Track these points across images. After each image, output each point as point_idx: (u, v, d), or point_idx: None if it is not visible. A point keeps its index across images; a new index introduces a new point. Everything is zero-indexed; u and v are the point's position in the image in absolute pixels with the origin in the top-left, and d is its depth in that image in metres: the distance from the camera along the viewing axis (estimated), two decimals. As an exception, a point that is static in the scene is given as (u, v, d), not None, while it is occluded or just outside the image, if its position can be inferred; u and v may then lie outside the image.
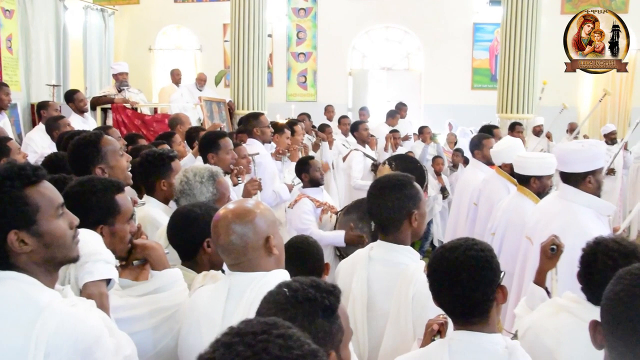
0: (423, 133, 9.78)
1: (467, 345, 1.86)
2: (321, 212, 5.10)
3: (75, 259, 1.79)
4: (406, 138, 9.52)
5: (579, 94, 13.10)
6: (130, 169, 3.09)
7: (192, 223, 2.46)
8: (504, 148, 4.92)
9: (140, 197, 3.42)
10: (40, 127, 6.49)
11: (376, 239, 4.97)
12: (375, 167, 7.45)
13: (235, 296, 1.91)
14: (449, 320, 1.99)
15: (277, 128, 6.20)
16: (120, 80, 8.65)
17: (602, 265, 2.10)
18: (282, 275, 1.92)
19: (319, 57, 14.06)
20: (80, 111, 7.29)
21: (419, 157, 8.74)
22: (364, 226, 4.93)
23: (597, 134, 11.71)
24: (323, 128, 8.52)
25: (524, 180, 4.09)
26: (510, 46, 9.72)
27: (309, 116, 9.18)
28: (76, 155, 2.97)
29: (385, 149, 8.99)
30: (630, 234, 8.39)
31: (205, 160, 4.21)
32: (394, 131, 9.26)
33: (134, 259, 2.26)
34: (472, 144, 5.84)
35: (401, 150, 9.10)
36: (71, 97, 7.44)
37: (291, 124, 6.77)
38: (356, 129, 8.14)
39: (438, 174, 8.63)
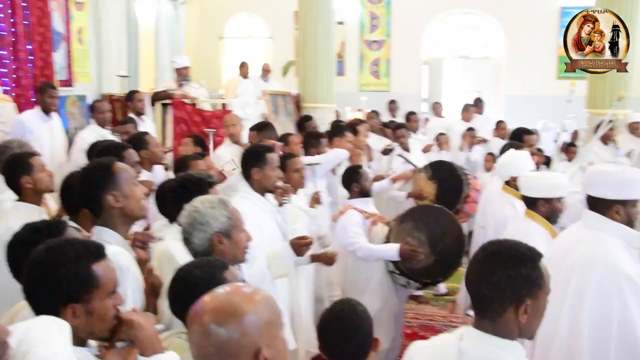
0: (498, 128, 8.81)
1: None
2: (370, 224, 4.66)
3: None
4: (482, 140, 8.65)
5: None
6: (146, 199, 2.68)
7: (191, 289, 1.94)
8: (509, 161, 4.49)
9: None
10: (93, 126, 6.42)
11: (434, 237, 4.63)
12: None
13: None
14: None
15: (337, 130, 5.69)
16: (183, 75, 8.33)
17: None
18: None
19: (392, 45, 13.40)
20: (138, 113, 7.05)
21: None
22: (421, 235, 4.57)
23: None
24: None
25: (531, 203, 3.62)
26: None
27: (377, 114, 8.57)
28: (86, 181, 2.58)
29: (461, 149, 8.32)
30: None
31: (248, 175, 3.77)
32: (470, 129, 8.55)
33: (118, 339, 1.84)
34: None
35: (479, 149, 8.38)
36: (130, 96, 7.24)
37: (353, 124, 6.23)
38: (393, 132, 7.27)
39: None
